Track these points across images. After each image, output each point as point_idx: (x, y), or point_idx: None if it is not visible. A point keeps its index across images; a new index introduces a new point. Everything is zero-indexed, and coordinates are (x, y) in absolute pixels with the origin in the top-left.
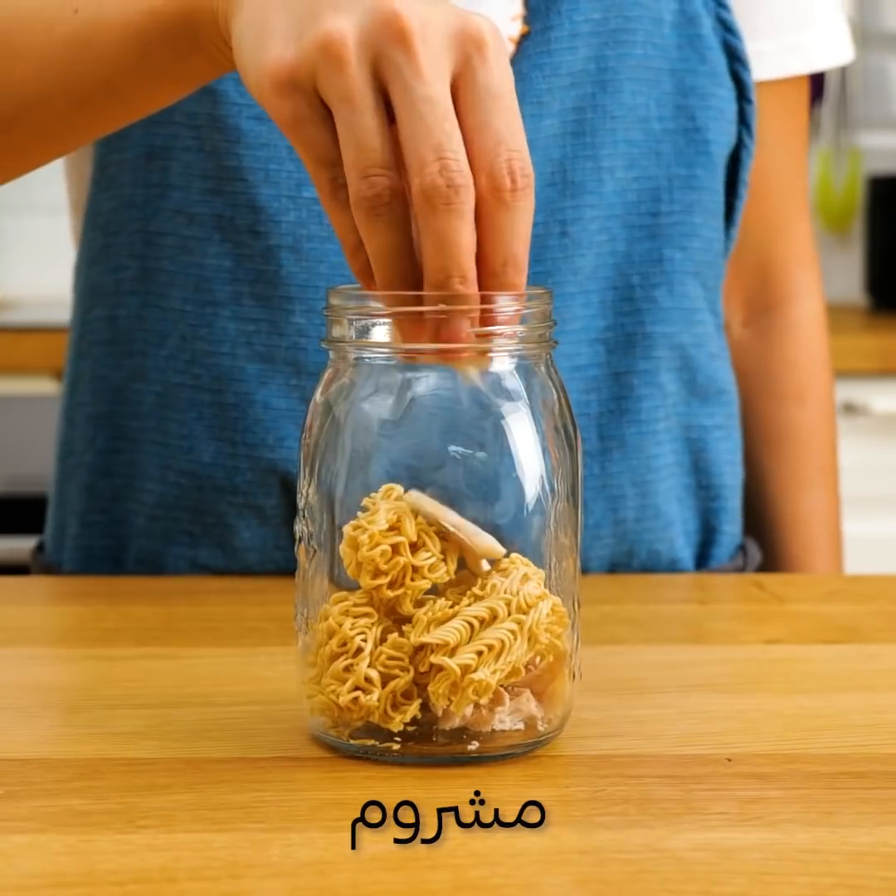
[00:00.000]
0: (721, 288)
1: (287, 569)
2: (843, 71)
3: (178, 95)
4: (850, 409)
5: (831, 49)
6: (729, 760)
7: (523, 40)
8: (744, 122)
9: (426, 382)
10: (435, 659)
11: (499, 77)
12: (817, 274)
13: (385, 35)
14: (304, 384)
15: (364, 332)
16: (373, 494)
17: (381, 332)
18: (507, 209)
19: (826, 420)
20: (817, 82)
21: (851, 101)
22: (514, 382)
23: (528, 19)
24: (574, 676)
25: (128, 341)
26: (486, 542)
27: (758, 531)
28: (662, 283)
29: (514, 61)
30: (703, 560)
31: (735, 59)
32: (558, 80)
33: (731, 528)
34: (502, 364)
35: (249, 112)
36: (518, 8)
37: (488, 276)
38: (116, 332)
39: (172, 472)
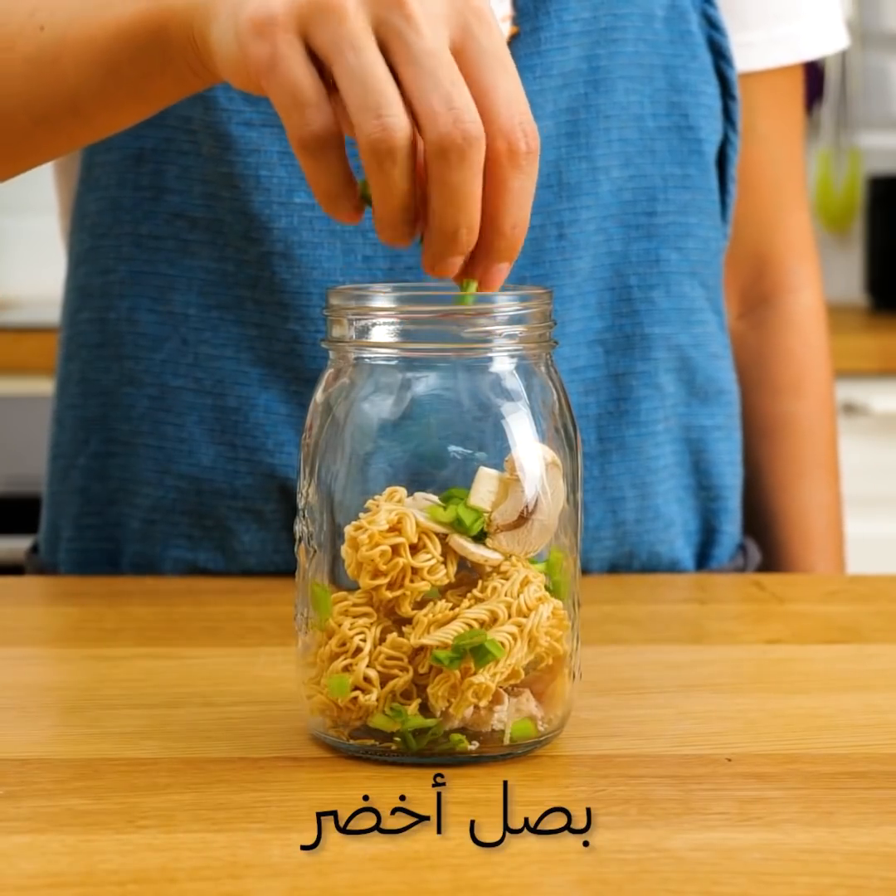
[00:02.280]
0: (722, 286)
1: (287, 572)
2: (842, 71)
3: (141, 116)
4: (850, 409)
5: (822, 38)
6: (729, 760)
7: (513, 42)
8: (728, 118)
9: (426, 382)
10: (435, 661)
11: (500, 43)
12: (815, 266)
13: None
14: (302, 390)
15: (364, 332)
16: (376, 497)
17: (381, 332)
18: (520, 172)
19: (824, 413)
20: (817, 82)
21: (851, 101)
22: (514, 382)
23: (516, 20)
24: (574, 677)
25: (117, 344)
26: (480, 552)
27: (756, 527)
28: (660, 284)
29: None
30: (703, 560)
31: (720, 56)
32: (550, 80)
33: (732, 528)
34: (502, 364)
35: (239, 118)
36: (507, 9)
37: (497, 238)
38: (105, 334)
39: (170, 475)
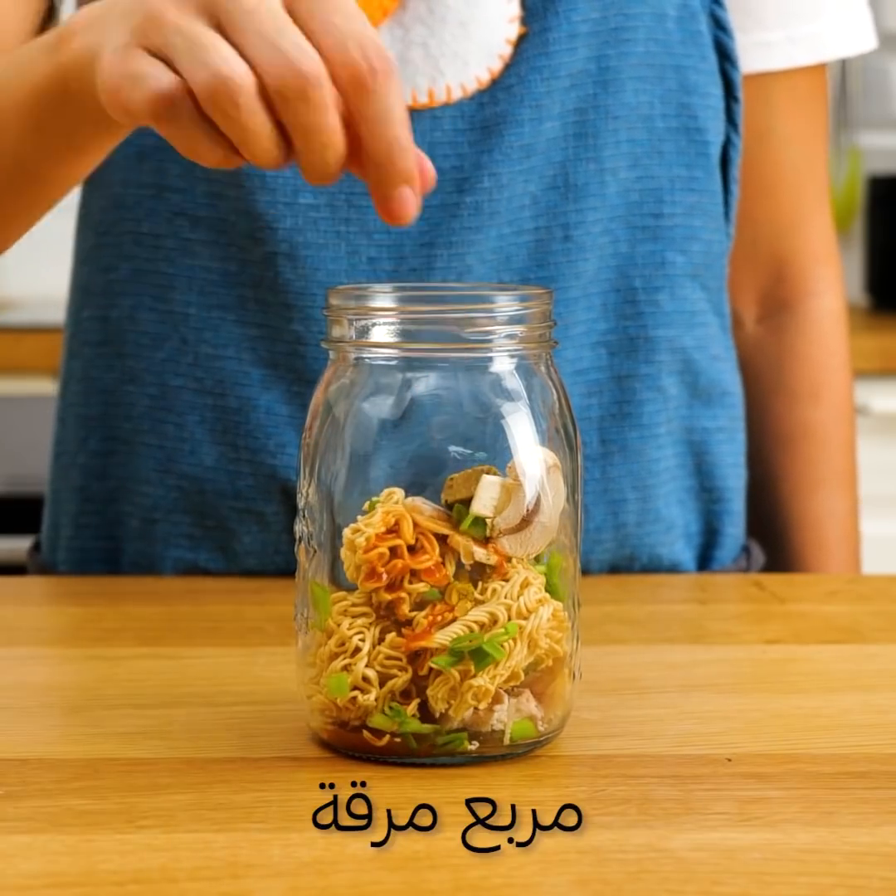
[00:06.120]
0: (725, 288)
1: (287, 573)
2: (843, 71)
3: (90, 165)
4: None
5: (845, 39)
6: (729, 760)
7: (521, 42)
8: (731, 120)
9: (426, 382)
10: (434, 664)
11: None
12: (837, 270)
13: None
14: (304, 391)
15: (364, 332)
16: (374, 498)
17: (381, 332)
18: (373, 95)
19: (842, 420)
20: None
21: (851, 101)
22: (514, 382)
23: (525, 21)
24: (574, 677)
25: (119, 343)
26: (482, 555)
27: (771, 533)
28: (664, 287)
29: (512, 64)
30: (705, 563)
31: (724, 57)
32: (557, 82)
33: (735, 530)
34: (502, 364)
35: None
36: (515, 10)
37: (376, 169)
38: (107, 333)
39: (172, 475)
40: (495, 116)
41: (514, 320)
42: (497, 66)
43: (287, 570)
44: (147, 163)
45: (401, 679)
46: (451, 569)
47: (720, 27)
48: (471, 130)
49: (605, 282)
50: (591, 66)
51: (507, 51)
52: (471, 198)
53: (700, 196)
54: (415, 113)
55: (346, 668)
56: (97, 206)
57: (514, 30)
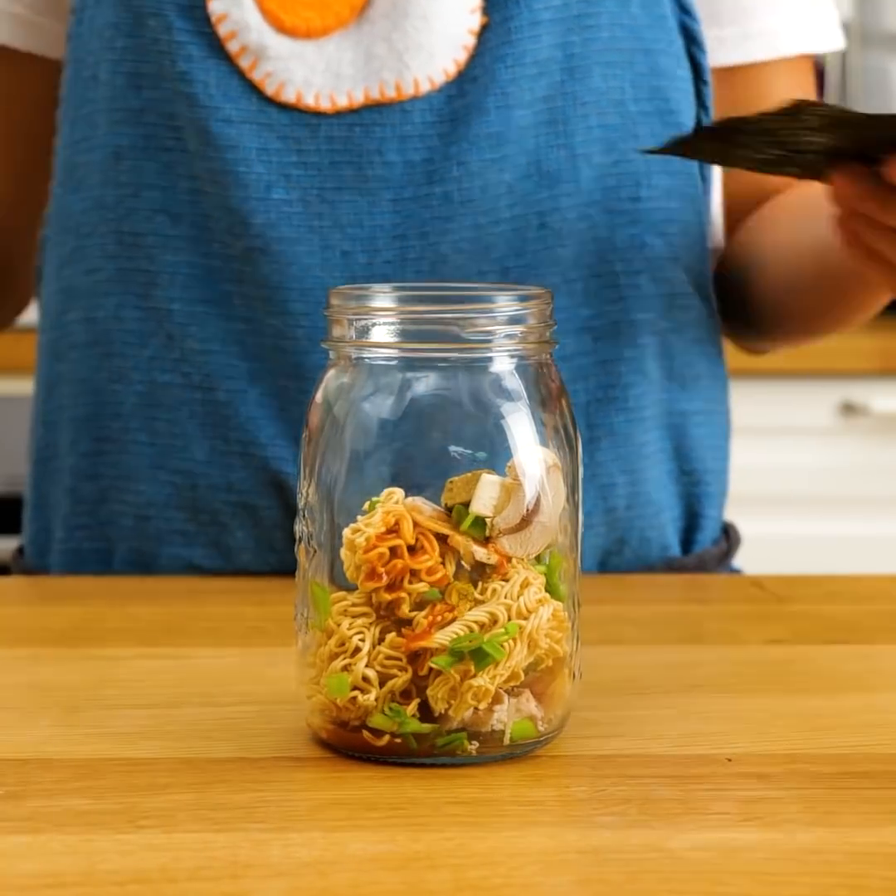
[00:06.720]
0: (709, 271)
1: (281, 570)
2: (842, 71)
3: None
4: (849, 409)
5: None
6: (729, 760)
7: (484, 32)
8: (701, 103)
9: (426, 382)
10: (434, 664)
11: None
12: None
13: None
14: (290, 385)
15: (364, 332)
16: (374, 499)
17: (381, 332)
18: None
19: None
20: (817, 82)
21: (851, 101)
22: (514, 382)
23: (486, 10)
24: (574, 677)
25: (106, 342)
26: (482, 554)
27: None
28: (644, 270)
29: (477, 55)
30: (688, 546)
31: (691, 41)
32: (523, 69)
33: (715, 512)
34: (502, 364)
35: (218, 115)
36: None
37: None
38: (95, 333)
39: (164, 471)
40: (463, 107)
41: (514, 320)
42: (463, 57)
43: (281, 567)
44: (123, 162)
45: (401, 679)
46: (451, 569)
47: (684, 11)
48: (440, 122)
49: (586, 267)
50: (556, 53)
51: (471, 41)
52: (440, 188)
53: (676, 178)
54: (384, 107)
55: (346, 668)
56: (77, 208)
57: (475, 20)
